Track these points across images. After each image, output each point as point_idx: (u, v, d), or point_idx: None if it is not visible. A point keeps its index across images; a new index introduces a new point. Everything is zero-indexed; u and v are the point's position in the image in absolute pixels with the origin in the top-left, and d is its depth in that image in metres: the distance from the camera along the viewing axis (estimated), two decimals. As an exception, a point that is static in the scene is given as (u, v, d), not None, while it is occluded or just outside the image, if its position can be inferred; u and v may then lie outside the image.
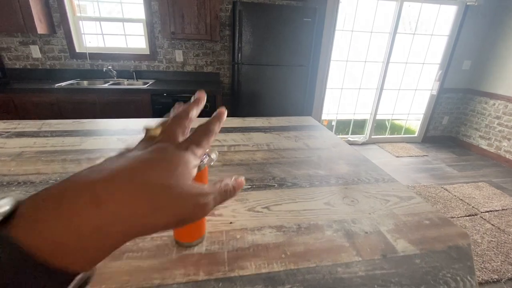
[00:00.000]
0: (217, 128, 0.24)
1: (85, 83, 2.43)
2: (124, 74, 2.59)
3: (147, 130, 0.22)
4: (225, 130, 1.11)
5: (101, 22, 2.53)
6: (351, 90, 3.28)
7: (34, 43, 2.42)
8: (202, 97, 0.26)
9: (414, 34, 3.04)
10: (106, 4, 2.51)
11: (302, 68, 2.13)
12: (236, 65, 2.05)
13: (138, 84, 2.42)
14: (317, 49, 2.19)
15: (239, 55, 2.01)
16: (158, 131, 0.22)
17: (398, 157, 3.03)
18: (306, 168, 0.79)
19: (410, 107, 3.49)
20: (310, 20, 1.96)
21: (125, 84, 2.50)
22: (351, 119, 3.49)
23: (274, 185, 0.68)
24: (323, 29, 2.08)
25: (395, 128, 3.72)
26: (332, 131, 3.60)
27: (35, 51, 2.44)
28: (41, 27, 2.18)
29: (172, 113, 0.24)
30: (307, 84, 2.21)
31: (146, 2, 2.41)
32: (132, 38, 2.62)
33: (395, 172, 2.63)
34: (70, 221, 0.12)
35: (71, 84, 2.29)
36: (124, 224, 0.14)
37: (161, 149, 0.18)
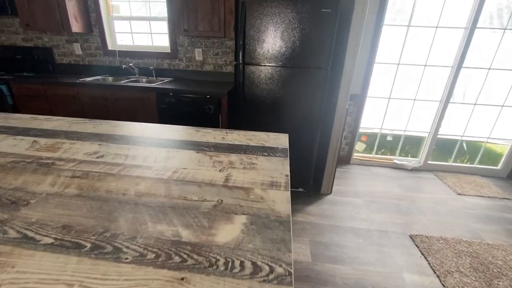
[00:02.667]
0: None
1: (110, 79, 2.59)
2: (146, 71, 2.67)
3: None
4: (157, 143, 0.91)
5: (133, 21, 2.66)
6: (403, 100, 2.65)
7: (76, 41, 2.71)
8: None
9: (505, 29, 2.24)
10: (139, 3, 2.62)
11: (320, 71, 1.76)
12: (239, 66, 1.83)
13: (156, 82, 2.44)
14: (341, 48, 1.77)
15: (242, 53, 1.78)
16: None
17: (460, 194, 2.29)
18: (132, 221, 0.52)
19: (492, 128, 2.61)
20: (330, 11, 1.57)
21: (144, 82, 2.57)
22: (401, 136, 2.84)
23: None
24: (350, 22, 1.66)
25: (470, 155, 2.85)
26: (374, 149, 3.01)
27: (77, 48, 2.74)
28: (76, 26, 2.40)
29: None
30: (325, 90, 1.82)
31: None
32: (158, 37, 2.68)
33: (448, 217, 1.96)
34: None
35: (97, 79, 2.46)
36: None
37: None
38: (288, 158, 0.85)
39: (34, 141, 0.92)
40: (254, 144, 0.93)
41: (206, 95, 2.08)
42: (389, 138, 2.93)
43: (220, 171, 0.73)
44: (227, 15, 2.10)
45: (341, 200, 2.13)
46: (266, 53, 1.77)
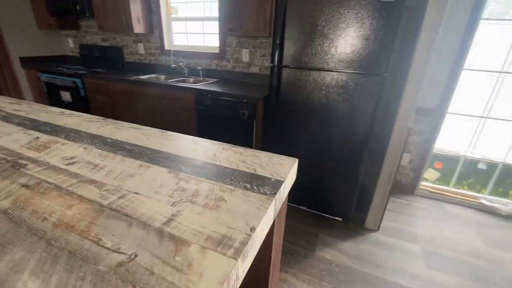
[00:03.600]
0: None
1: (162, 78, 2.74)
2: (195, 71, 2.72)
3: None
4: (139, 153, 0.82)
5: (189, 22, 2.75)
6: (502, 120, 1.99)
7: (140, 41, 2.98)
8: None
9: None
10: (198, 4, 2.69)
11: (374, 78, 1.41)
12: (274, 68, 1.63)
13: (201, 82, 2.47)
14: (407, 49, 1.38)
15: (278, 54, 1.57)
16: None
17: None
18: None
19: None
20: (393, 1, 1.22)
21: (190, 82, 2.63)
22: (497, 165, 2.15)
23: None
24: (422, 16, 1.26)
25: None
26: (452, 180, 2.35)
27: (140, 48, 3.01)
28: (138, 27, 2.61)
29: None
30: (379, 101, 1.45)
31: (221, -2, 2.38)
32: (211, 37, 2.71)
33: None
34: None
35: (150, 77, 2.63)
36: None
37: None
38: (276, 197, 0.63)
39: (37, 137, 0.94)
40: (242, 169, 0.74)
41: (241, 99, 1.96)
42: (481, 166, 2.26)
43: (172, 204, 0.58)
44: (273, 13, 1.93)
45: (389, 242, 1.70)
46: (307, 54, 1.53)
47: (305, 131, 1.74)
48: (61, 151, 0.83)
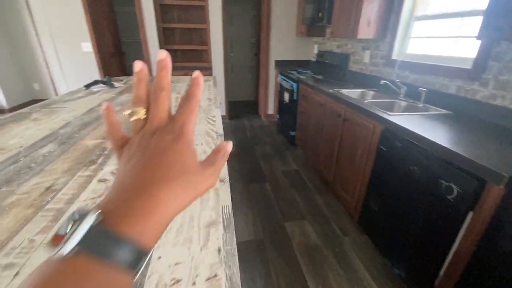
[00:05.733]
0: (199, 96, 0.25)
1: (370, 94, 2.19)
2: (417, 93, 1.87)
3: (132, 114, 0.24)
4: None
5: (441, 21, 1.89)
6: None
7: (368, 48, 2.55)
8: (166, 61, 0.24)
9: None
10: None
11: None
12: None
13: (415, 111, 1.66)
14: None
15: None
16: (143, 113, 0.24)
17: None
18: None
19: None
20: None
21: (401, 106, 1.85)
22: None
23: None
24: None
25: None
26: None
27: (366, 56, 2.59)
28: (364, 32, 2.21)
29: (148, 89, 0.25)
30: None
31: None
32: (467, 43, 1.69)
33: None
34: (146, 218, 0.19)
35: (352, 92, 2.21)
36: (173, 211, 0.21)
37: (167, 147, 0.22)
38: None
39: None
40: None
41: (457, 161, 1.03)
42: None
43: None
44: None
45: None
46: None
47: None
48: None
